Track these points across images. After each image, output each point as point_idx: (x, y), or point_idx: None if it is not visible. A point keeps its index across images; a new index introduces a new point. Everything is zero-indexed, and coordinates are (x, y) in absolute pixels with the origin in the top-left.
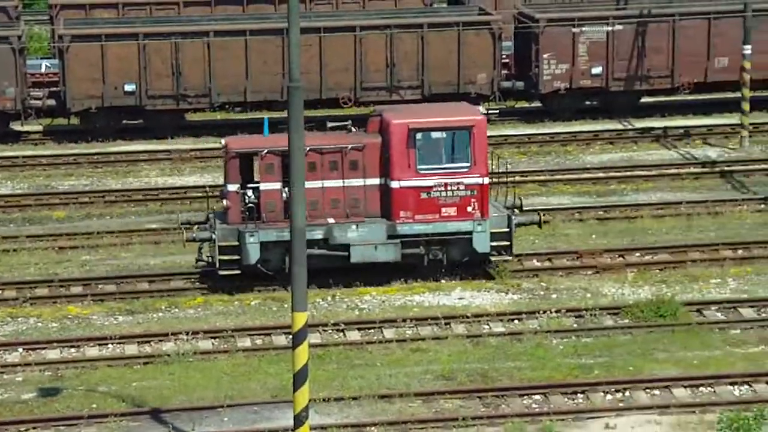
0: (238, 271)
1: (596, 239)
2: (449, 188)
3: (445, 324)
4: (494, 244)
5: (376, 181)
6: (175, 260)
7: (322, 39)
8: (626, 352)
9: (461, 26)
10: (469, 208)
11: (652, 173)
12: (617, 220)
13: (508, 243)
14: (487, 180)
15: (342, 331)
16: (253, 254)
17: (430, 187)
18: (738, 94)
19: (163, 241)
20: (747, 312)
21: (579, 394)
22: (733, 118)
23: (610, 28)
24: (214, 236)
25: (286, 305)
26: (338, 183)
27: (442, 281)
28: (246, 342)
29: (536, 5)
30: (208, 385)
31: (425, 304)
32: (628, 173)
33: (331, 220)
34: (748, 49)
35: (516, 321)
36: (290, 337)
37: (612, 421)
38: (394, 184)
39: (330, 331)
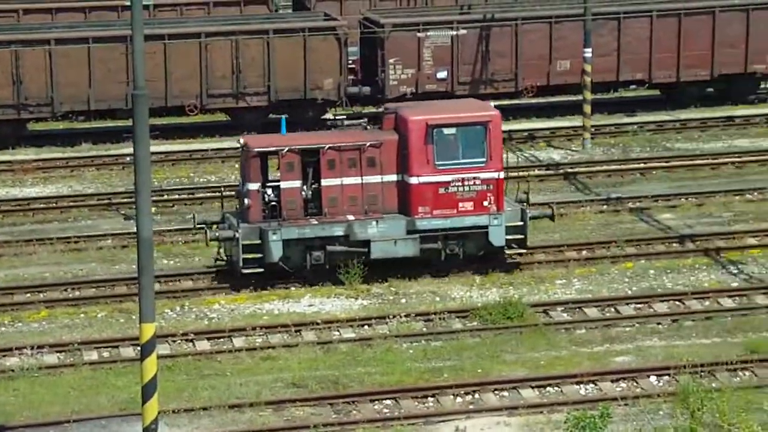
0: (260, 270)
1: None
2: (466, 183)
3: (296, 331)
4: (509, 237)
5: (394, 177)
6: (18, 274)
7: (166, 46)
8: (475, 355)
9: (307, 32)
10: (485, 203)
11: None
12: None
13: (522, 236)
14: (502, 174)
15: (191, 341)
16: (276, 252)
17: (448, 183)
18: (580, 97)
19: (5, 255)
20: (591, 312)
21: (429, 398)
22: (575, 121)
23: (454, 33)
24: (237, 235)
25: (134, 317)
26: (356, 180)
27: (292, 288)
28: (93, 355)
29: (381, 10)
30: (54, 401)
31: (275, 311)
32: None
33: (350, 217)
34: (588, 53)
35: (366, 326)
36: (138, 348)
37: (462, 423)
38: (413, 180)
39: (179, 341)
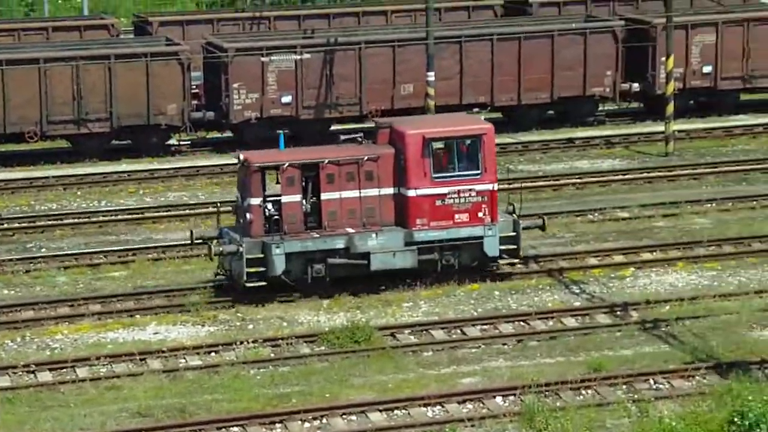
0: (264, 283)
1: None
2: (462, 195)
3: (141, 360)
4: (502, 248)
5: (390, 190)
6: None
7: (4, 72)
8: (323, 379)
9: (149, 57)
10: (480, 214)
11: None
12: None
13: (515, 247)
14: (496, 186)
15: (33, 372)
16: (279, 265)
17: (445, 195)
18: None
19: None
20: (438, 334)
21: (277, 424)
22: None
23: (298, 57)
24: (240, 249)
25: None
26: (355, 193)
27: (137, 316)
28: None
29: (224, 35)
30: None
31: (119, 340)
32: None
33: (350, 230)
34: (431, 76)
35: (213, 353)
36: None
37: None
38: (411, 193)
39: (20, 373)
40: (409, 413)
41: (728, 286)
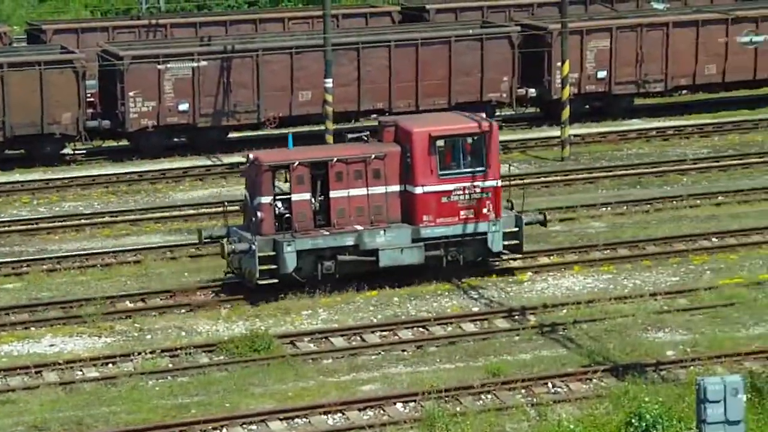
0: (276, 280)
1: (189, 276)
2: (467, 192)
3: (36, 373)
4: (505, 243)
5: (397, 188)
6: None
7: None
8: (223, 389)
9: (43, 65)
10: (485, 210)
11: None
12: (210, 256)
13: (517, 242)
14: (500, 182)
15: None
16: (290, 263)
17: (450, 192)
18: (322, 127)
19: None
20: (338, 341)
21: None
22: None
23: (195, 65)
24: (254, 247)
25: None
26: (362, 191)
27: (32, 329)
28: None
29: (120, 43)
30: None
31: (14, 353)
32: (219, 209)
33: (358, 227)
34: (329, 83)
35: (110, 365)
36: None
37: None
38: (418, 190)
39: None
40: (309, 421)
41: (623, 289)
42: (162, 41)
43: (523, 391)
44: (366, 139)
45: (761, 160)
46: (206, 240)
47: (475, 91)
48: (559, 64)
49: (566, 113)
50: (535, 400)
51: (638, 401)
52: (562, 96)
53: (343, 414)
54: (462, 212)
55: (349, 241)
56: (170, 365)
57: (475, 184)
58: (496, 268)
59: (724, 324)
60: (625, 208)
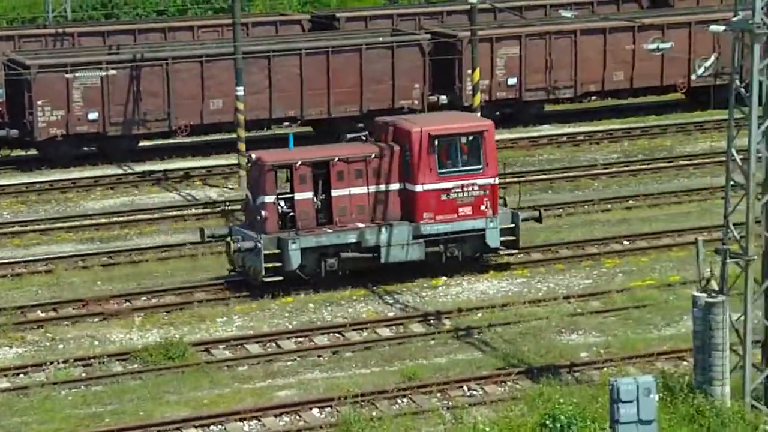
0: (281, 278)
1: (102, 285)
2: (465, 189)
3: None
4: (502, 239)
5: (396, 186)
6: None
7: None
8: (137, 398)
9: None
10: (483, 207)
11: (155, 216)
12: (122, 265)
13: (514, 238)
14: (497, 180)
15: None
16: (295, 260)
17: (449, 189)
18: (233, 135)
19: None
20: (253, 348)
21: None
22: (231, 159)
23: (104, 74)
24: (259, 245)
25: None
26: (363, 189)
27: None
28: None
29: (27, 52)
30: None
31: None
32: (131, 217)
33: (359, 225)
34: (240, 91)
35: (21, 375)
36: None
37: None
38: (418, 188)
39: None
40: (224, 428)
41: (537, 293)
42: (70, 50)
43: (438, 394)
44: (365, 139)
45: (670, 164)
46: (209, 239)
47: (386, 98)
48: (469, 71)
49: None
50: (450, 403)
51: (553, 403)
52: (473, 103)
53: (259, 420)
54: (460, 209)
55: (352, 238)
56: (83, 374)
57: (473, 181)
58: (491, 264)
59: (636, 325)
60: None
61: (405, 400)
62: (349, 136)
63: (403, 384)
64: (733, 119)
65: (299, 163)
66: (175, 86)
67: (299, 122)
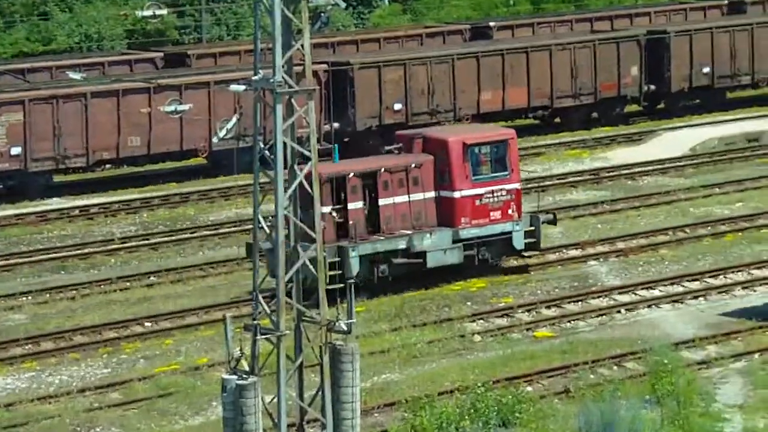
0: (342, 285)
1: None
2: (495, 194)
3: None
4: (525, 241)
5: (432, 194)
6: None
7: None
8: None
9: None
10: (510, 211)
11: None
12: None
13: (535, 240)
14: (521, 185)
15: None
16: (355, 267)
17: (482, 195)
18: None
19: None
20: None
21: None
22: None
23: None
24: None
25: None
26: (405, 198)
27: None
28: None
29: None
30: None
31: None
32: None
33: (406, 231)
34: None
35: None
36: None
37: None
38: (456, 195)
39: None
40: None
41: (48, 388)
42: None
43: None
44: (398, 151)
45: (193, 235)
46: (261, 254)
47: None
48: None
49: None
50: None
51: None
52: None
53: None
54: (491, 213)
55: (402, 244)
56: None
57: (502, 187)
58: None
59: (161, 417)
60: (48, 296)
61: None
62: (386, 148)
63: None
64: (258, 184)
65: (352, 174)
66: None
67: None
